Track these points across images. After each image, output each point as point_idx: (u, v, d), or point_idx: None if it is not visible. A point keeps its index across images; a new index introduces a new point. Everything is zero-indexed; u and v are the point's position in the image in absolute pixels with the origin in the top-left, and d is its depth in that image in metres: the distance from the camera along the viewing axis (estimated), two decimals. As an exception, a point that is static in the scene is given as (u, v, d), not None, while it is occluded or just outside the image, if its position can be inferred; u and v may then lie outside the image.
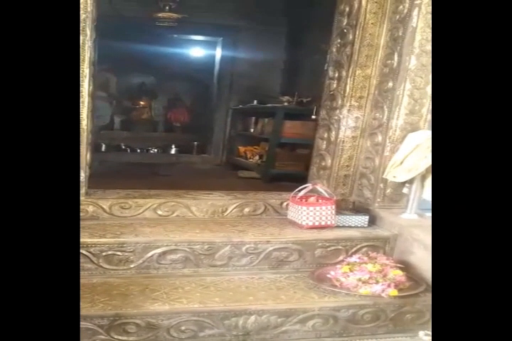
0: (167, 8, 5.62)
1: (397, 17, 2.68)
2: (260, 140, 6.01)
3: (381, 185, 2.82)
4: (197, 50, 7.82)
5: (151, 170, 5.52)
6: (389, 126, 2.74)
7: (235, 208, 2.82)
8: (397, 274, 2.30)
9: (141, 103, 8.31)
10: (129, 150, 7.59)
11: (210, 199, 2.82)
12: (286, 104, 5.51)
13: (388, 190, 2.82)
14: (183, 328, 2.02)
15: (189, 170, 6.21)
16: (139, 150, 7.66)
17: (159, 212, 2.69)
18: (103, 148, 7.09)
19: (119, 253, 2.30)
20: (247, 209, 2.84)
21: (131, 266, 2.32)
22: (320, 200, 2.78)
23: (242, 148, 6.26)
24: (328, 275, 2.35)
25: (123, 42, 6.13)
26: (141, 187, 3.01)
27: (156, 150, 7.79)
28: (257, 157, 5.84)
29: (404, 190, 2.76)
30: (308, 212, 2.67)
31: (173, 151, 7.75)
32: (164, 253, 2.35)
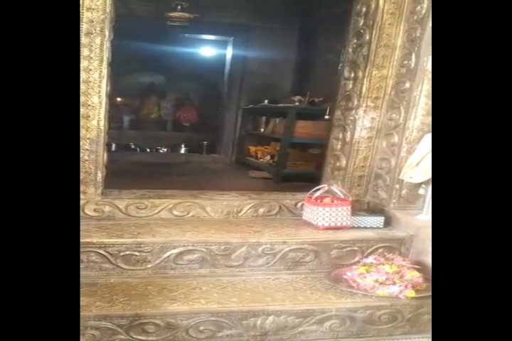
0: (179, 7, 5.63)
1: (415, 17, 2.67)
2: (271, 140, 6.00)
3: (397, 186, 2.81)
4: (208, 49, 7.84)
5: (161, 169, 5.52)
6: (406, 126, 2.73)
7: (249, 209, 2.81)
8: (414, 275, 2.30)
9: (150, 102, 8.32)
10: (138, 150, 7.59)
11: (225, 199, 2.82)
12: (297, 103, 5.48)
13: (404, 191, 2.81)
14: (201, 328, 2.03)
15: (199, 169, 6.20)
16: (148, 150, 7.66)
17: (175, 212, 2.69)
18: (113, 147, 7.08)
19: (136, 253, 2.30)
20: (261, 210, 2.84)
21: (149, 266, 2.32)
22: (335, 201, 2.77)
23: (252, 148, 6.25)
24: (345, 276, 2.35)
25: (133, 42, 6.12)
26: (153, 187, 3.01)
27: (165, 149, 7.80)
28: (267, 157, 5.82)
29: (421, 191, 2.75)
30: (324, 213, 2.66)
31: (182, 151, 7.76)
32: (181, 253, 2.35)
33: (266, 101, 6.13)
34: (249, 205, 2.82)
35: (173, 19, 5.77)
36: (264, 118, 6.29)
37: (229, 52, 7.11)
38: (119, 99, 7.77)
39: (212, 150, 7.42)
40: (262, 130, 6.29)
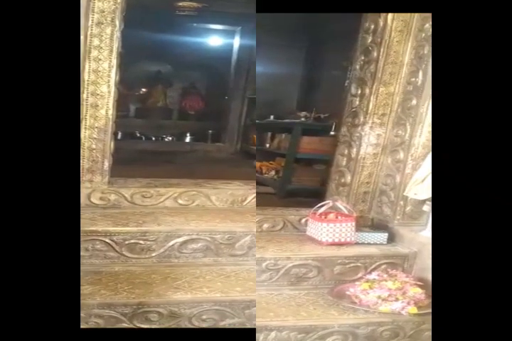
0: (188, -3, 5.60)
1: (423, 35, 2.69)
2: (276, 155, 5.96)
3: (401, 203, 2.81)
4: (215, 38, 7.64)
5: (166, 158, 5.46)
6: (411, 143, 2.74)
7: (253, 198, 2.83)
8: (417, 292, 2.29)
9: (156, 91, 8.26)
10: (143, 138, 7.50)
11: (230, 188, 2.83)
12: (303, 119, 5.46)
13: (408, 208, 2.80)
14: (204, 317, 2.02)
15: (204, 158, 6.15)
16: (153, 138, 7.57)
17: (180, 201, 2.69)
18: (119, 135, 6.96)
19: (141, 241, 2.29)
20: (266, 225, 2.78)
21: (153, 254, 2.31)
22: (339, 217, 2.74)
23: (257, 164, 6.17)
24: (348, 292, 2.34)
25: (141, 31, 5.94)
26: (158, 175, 3.01)
27: (170, 138, 7.70)
28: (272, 172, 5.76)
29: (425, 208, 2.75)
30: (328, 229, 2.62)
31: (187, 139, 7.66)
32: (185, 242, 2.35)
33: (271, 116, 6.10)
34: (254, 195, 2.85)
35: (181, 8, 5.72)
36: (269, 133, 6.24)
37: (236, 42, 7.04)
38: (125, 87, 7.68)
39: (217, 139, 7.33)
40: (268, 145, 6.24)
